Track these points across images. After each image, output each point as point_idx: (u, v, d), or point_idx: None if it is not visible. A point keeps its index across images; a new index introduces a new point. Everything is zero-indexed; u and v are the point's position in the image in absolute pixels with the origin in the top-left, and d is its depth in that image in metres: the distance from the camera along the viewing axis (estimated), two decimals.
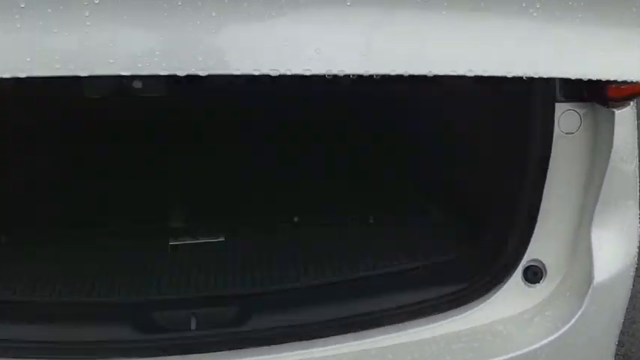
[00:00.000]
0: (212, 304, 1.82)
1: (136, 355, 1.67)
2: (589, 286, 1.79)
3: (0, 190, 2.36)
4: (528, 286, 1.90)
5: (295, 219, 2.25)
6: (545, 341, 1.79)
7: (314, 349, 1.72)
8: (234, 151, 2.76)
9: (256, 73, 1.25)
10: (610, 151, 1.73)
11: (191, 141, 2.76)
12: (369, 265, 1.98)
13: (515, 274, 1.88)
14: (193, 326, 1.73)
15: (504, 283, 1.88)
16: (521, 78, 1.49)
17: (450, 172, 2.44)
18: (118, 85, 1.63)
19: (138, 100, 1.97)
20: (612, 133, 1.72)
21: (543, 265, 1.90)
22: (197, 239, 2.13)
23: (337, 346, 1.73)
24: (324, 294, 1.89)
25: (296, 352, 1.71)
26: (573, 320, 1.80)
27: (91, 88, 1.68)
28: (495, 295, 1.88)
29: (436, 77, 1.36)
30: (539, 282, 1.90)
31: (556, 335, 1.80)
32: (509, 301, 1.88)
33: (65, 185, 2.46)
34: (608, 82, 1.54)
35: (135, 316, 1.75)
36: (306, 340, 1.73)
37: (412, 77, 1.36)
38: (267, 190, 2.50)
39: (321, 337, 1.73)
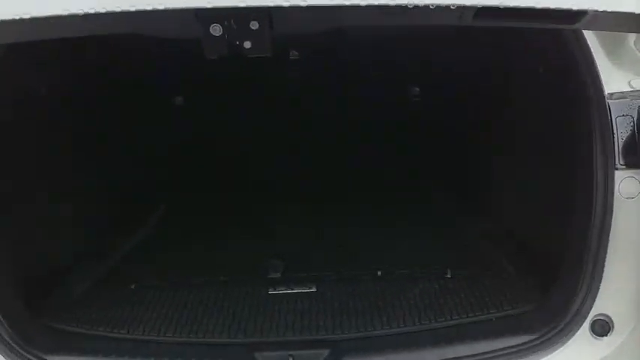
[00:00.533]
0: (307, 347, 2.08)
1: None
2: None
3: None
4: (596, 338, 2.05)
5: (378, 273, 2.50)
6: None
7: None
8: (322, 213, 3.09)
9: None
10: None
11: (285, 205, 3.14)
12: (447, 316, 2.19)
13: (583, 326, 2.04)
14: None
15: (573, 336, 2.04)
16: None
17: (523, 232, 2.64)
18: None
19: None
20: None
21: (610, 319, 2.06)
22: (292, 289, 2.42)
23: None
24: (405, 341, 2.11)
25: None
26: None
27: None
28: (564, 345, 2.04)
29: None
30: (606, 335, 2.05)
31: None
32: (578, 352, 2.04)
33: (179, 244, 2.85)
34: None
35: (241, 355, 2.04)
36: None
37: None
38: (352, 247, 2.78)
39: None
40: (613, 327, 2.05)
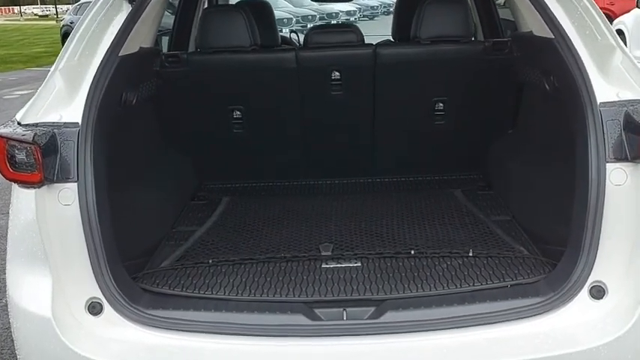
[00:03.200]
0: (357, 304, 2.59)
1: (303, 336, 2.46)
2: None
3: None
4: (593, 301, 2.52)
5: (412, 252, 3.00)
6: (604, 341, 2.41)
7: (430, 337, 2.43)
8: (362, 206, 3.64)
9: None
10: None
11: (333, 201, 3.79)
12: (470, 283, 2.69)
13: (582, 291, 2.51)
14: (345, 318, 2.52)
15: (574, 298, 2.51)
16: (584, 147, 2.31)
17: (532, 219, 3.17)
18: None
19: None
20: None
21: (605, 285, 2.53)
22: (341, 264, 2.93)
23: (450, 335, 2.43)
24: (436, 301, 2.61)
25: (416, 339, 2.43)
26: (626, 328, 2.41)
27: None
28: (567, 306, 2.52)
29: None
30: (602, 298, 2.52)
31: (613, 337, 2.41)
32: (579, 311, 2.51)
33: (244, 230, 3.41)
34: None
35: (305, 310, 2.55)
36: (424, 331, 2.45)
37: None
38: (389, 233, 3.29)
39: (436, 330, 2.45)
40: (607, 292, 2.52)
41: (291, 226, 3.42)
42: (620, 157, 2.45)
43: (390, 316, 2.52)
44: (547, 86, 3.03)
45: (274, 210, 3.67)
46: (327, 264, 2.94)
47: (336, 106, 3.90)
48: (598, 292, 2.52)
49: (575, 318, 2.50)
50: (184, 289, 2.75)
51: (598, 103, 2.48)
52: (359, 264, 2.93)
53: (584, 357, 2.42)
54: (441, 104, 3.90)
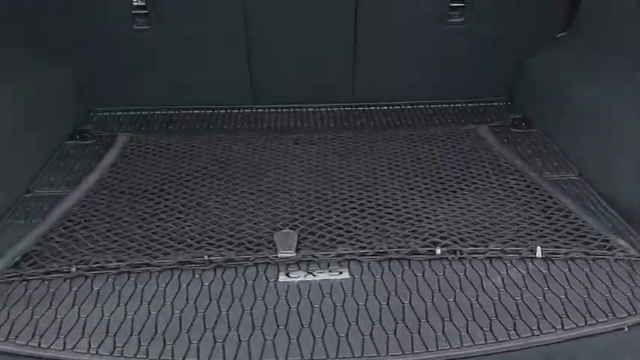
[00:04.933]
0: None
1: None
2: None
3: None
4: None
5: (438, 250, 1.72)
6: None
7: None
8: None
9: None
10: None
11: None
12: (558, 326, 1.45)
13: None
14: None
15: None
16: None
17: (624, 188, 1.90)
18: None
19: None
20: None
21: None
22: (315, 275, 1.64)
23: None
24: None
25: None
26: None
27: None
28: None
29: None
30: None
31: None
32: None
33: None
34: None
35: None
36: None
37: None
38: (394, 200, 2.00)
39: None
40: None
41: (224, 192, 2.07)
42: None
43: None
44: None
45: (199, 160, 2.30)
46: (287, 276, 1.64)
47: None
48: None
49: None
50: (17, 338, 1.42)
51: None
52: (346, 275, 1.64)
53: None
54: None
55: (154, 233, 1.82)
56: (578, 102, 2.28)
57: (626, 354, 1.45)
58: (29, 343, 1.42)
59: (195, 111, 2.73)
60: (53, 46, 2.51)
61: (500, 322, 1.48)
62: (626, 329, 1.47)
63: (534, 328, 1.46)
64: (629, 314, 1.50)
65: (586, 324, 1.47)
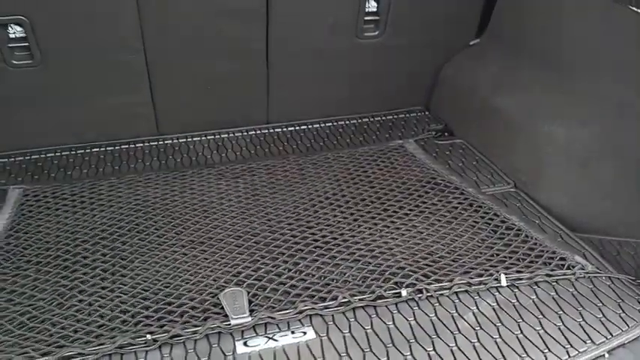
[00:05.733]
0: None
1: None
2: None
3: None
4: None
5: (402, 291, 1.60)
6: None
7: None
8: None
9: None
10: None
11: None
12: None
13: None
14: None
15: None
16: None
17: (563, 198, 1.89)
18: None
19: None
20: None
21: None
22: (275, 341, 1.46)
23: None
24: None
25: None
26: None
27: None
28: None
29: None
30: None
31: None
32: None
33: None
34: None
35: None
36: None
37: None
38: (339, 229, 1.85)
39: None
40: None
41: (149, 247, 1.82)
42: None
43: None
44: None
45: (111, 210, 2.01)
46: (246, 345, 1.44)
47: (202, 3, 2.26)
48: None
49: None
50: None
51: None
52: (312, 334, 1.48)
53: None
54: (375, 1, 2.43)
55: (77, 312, 1.55)
56: (497, 109, 2.26)
57: None
58: None
59: (94, 149, 2.43)
60: None
61: None
62: (606, 356, 1.44)
63: None
64: (606, 338, 1.46)
65: (569, 356, 1.42)
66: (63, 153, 2.39)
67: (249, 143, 2.49)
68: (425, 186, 2.13)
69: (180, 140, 2.50)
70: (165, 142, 2.49)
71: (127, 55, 2.28)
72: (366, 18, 2.45)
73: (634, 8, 1.82)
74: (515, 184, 2.15)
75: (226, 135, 2.54)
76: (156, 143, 2.48)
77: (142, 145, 2.47)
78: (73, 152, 2.40)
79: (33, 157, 2.37)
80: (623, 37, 1.86)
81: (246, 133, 2.55)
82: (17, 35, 2.16)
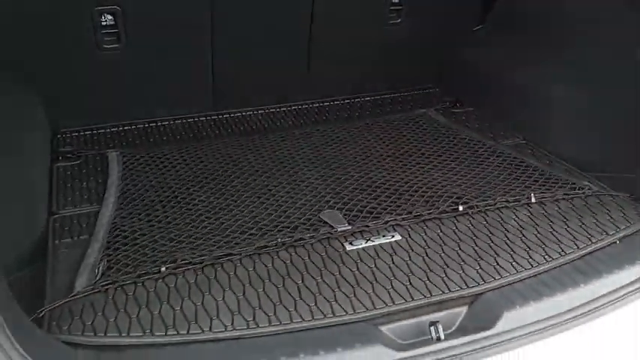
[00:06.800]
0: (446, 307, 1.64)
1: None
2: None
3: None
4: None
5: (460, 207, 2.08)
6: None
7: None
8: None
9: None
10: None
11: None
12: (573, 247, 1.89)
13: None
14: (438, 336, 1.56)
15: None
16: None
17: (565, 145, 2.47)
18: None
19: None
20: None
21: None
22: (373, 241, 1.92)
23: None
24: (551, 280, 1.77)
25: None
26: None
27: None
28: None
29: None
30: None
31: None
32: None
33: None
34: None
35: (375, 336, 1.54)
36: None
37: None
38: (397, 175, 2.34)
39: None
40: None
41: (253, 187, 2.27)
42: None
43: (508, 321, 1.62)
44: None
45: (208, 164, 2.44)
46: (353, 244, 1.90)
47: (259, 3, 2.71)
48: None
49: None
50: (148, 330, 1.54)
51: None
52: (398, 236, 1.94)
53: None
54: None
55: (215, 228, 1.98)
56: (504, 80, 2.77)
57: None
58: (168, 333, 1.55)
59: (164, 122, 2.84)
60: (17, 69, 2.49)
61: (532, 250, 1.88)
62: (617, 242, 1.95)
63: (559, 251, 1.88)
64: (616, 231, 1.97)
65: (591, 242, 1.92)
66: (138, 125, 2.80)
67: (298, 115, 2.95)
68: (452, 140, 2.63)
69: (238, 114, 2.93)
70: (224, 115, 2.93)
71: (197, 41, 2.71)
72: (391, 7, 2.95)
73: None
74: (524, 137, 2.67)
75: (273, 109, 2.99)
76: (216, 117, 2.91)
77: (204, 119, 2.89)
78: (149, 124, 2.81)
79: (112, 129, 2.77)
80: (612, 13, 2.38)
81: (292, 108, 3.01)
82: (108, 23, 2.56)
